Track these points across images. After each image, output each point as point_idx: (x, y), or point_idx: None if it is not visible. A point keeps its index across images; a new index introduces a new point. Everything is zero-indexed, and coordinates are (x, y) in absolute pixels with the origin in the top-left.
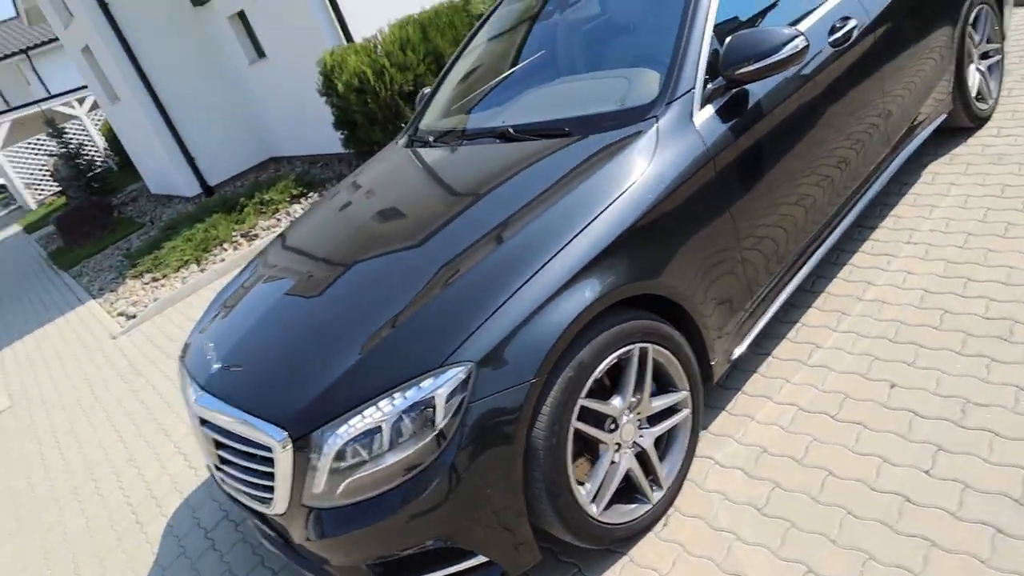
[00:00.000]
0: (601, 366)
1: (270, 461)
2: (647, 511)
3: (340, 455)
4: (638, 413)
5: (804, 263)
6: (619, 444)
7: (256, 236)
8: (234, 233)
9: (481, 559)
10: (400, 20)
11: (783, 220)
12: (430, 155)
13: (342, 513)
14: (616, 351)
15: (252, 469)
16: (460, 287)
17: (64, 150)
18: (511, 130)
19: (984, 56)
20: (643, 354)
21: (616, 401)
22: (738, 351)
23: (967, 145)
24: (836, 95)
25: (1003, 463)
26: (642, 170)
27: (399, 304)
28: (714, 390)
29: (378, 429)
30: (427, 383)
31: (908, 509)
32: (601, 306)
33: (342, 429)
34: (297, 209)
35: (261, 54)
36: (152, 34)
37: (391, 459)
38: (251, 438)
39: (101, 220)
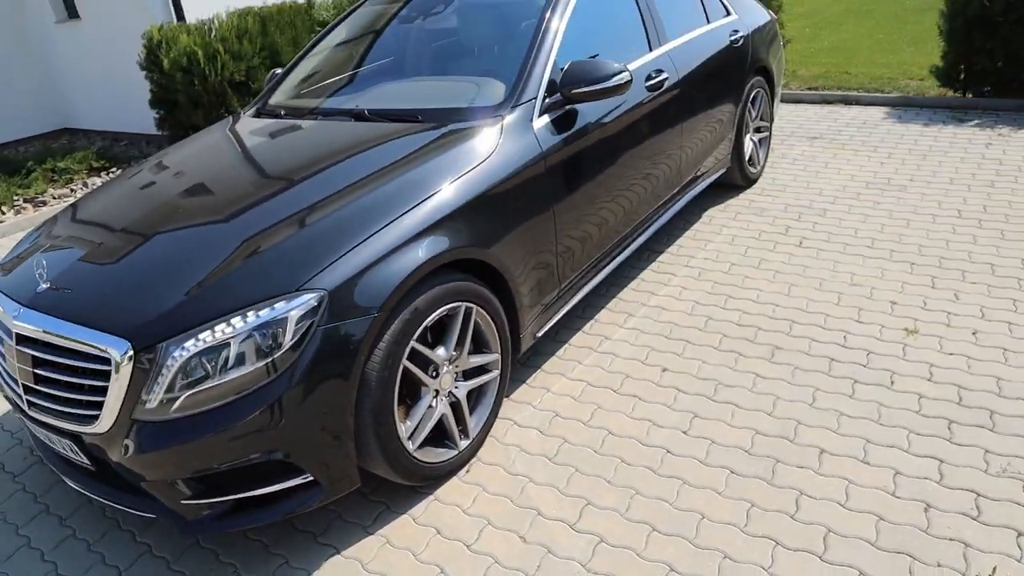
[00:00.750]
0: (433, 315)
1: (103, 375)
2: (454, 455)
3: (184, 369)
4: (456, 366)
5: (602, 268)
6: (437, 391)
7: (44, 203)
8: (16, 197)
9: (305, 478)
10: (241, 10)
11: (590, 229)
12: (279, 126)
13: (172, 426)
14: (446, 304)
15: (78, 386)
16: (320, 227)
17: None
18: (366, 112)
19: (757, 130)
20: (467, 313)
21: (440, 351)
22: (542, 330)
23: (737, 199)
24: (643, 133)
25: (740, 426)
26: (486, 154)
27: (252, 231)
28: (517, 367)
29: (226, 345)
30: (280, 305)
31: (669, 459)
32: (440, 261)
33: (190, 343)
34: (96, 182)
35: (74, 15)
36: None
37: (234, 375)
38: (86, 351)
39: None
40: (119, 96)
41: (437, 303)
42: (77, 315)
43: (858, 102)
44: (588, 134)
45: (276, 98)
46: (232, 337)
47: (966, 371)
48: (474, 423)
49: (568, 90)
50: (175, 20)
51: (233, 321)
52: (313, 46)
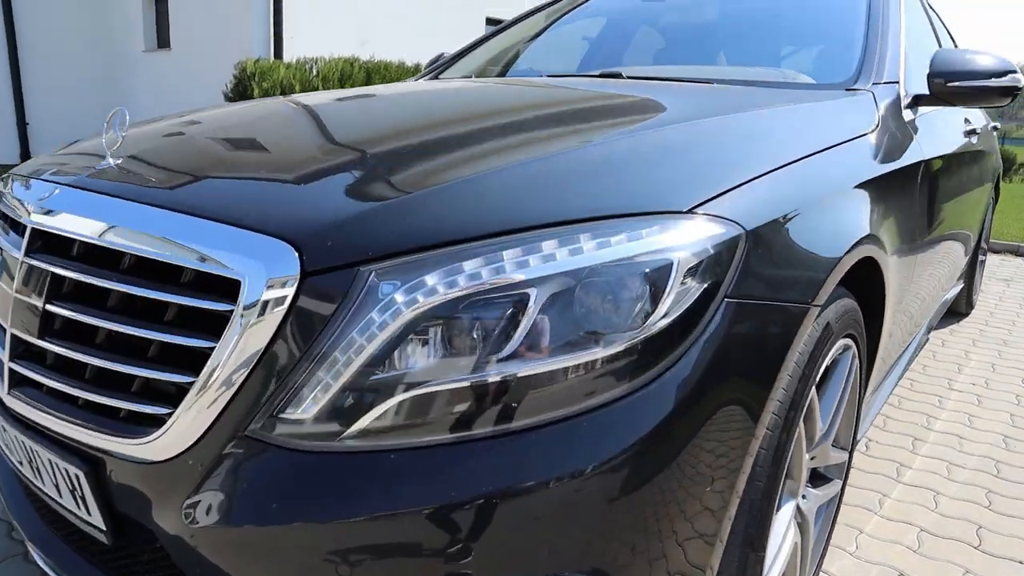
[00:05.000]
0: (834, 348)
1: (206, 323)
2: None
3: (410, 332)
4: (813, 457)
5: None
6: (801, 498)
7: None
8: None
9: None
10: (348, 57)
11: (927, 283)
12: (497, 81)
13: (350, 467)
14: (844, 337)
15: (135, 347)
16: (688, 132)
17: None
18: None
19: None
20: (852, 364)
21: (819, 419)
22: (863, 431)
23: (960, 325)
24: (961, 187)
25: None
26: (867, 129)
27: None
28: None
29: (517, 299)
30: (653, 230)
31: None
32: (868, 250)
33: (433, 278)
34: None
35: (164, 44)
36: None
37: (532, 368)
38: (180, 267)
39: None
40: None
41: (841, 329)
42: (173, 200)
43: None
44: (935, 158)
45: (454, 72)
46: (533, 281)
47: None
48: (810, 568)
49: (942, 82)
50: (272, 58)
51: (544, 245)
52: (508, 27)
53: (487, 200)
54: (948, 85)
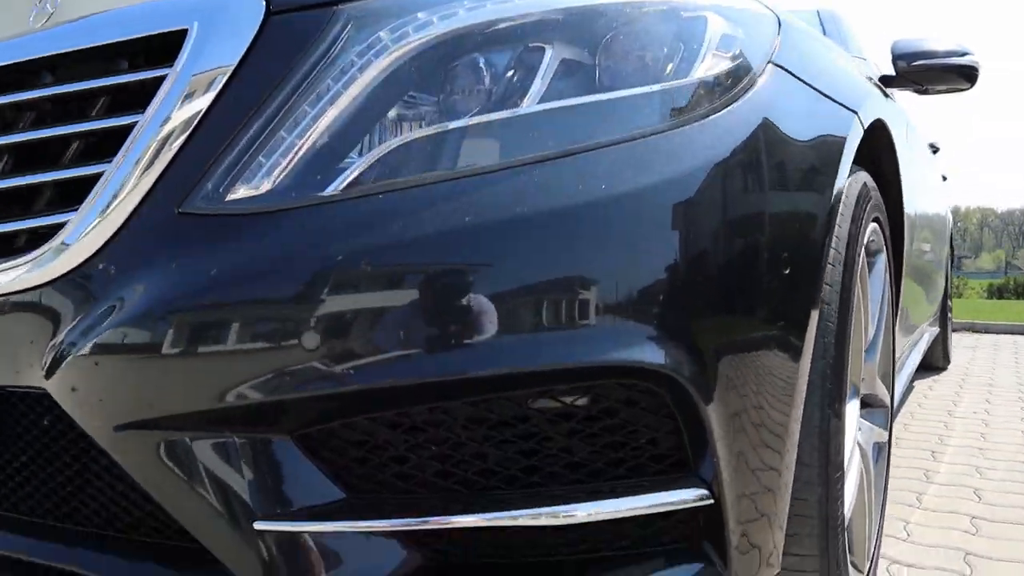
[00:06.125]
0: (870, 226)
1: (140, 99)
2: None
3: (400, 74)
4: (863, 379)
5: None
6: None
7: None
8: None
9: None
10: None
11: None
12: None
13: (308, 220)
14: (874, 218)
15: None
16: None
17: None
18: None
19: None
20: (885, 275)
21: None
22: (897, 396)
23: (942, 376)
24: (934, 187)
25: None
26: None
27: None
28: None
29: (530, 46)
30: None
31: None
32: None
33: (426, 14)
34: None
35: None
36: None
37: (549, 106)
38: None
39: None
40: None
41: (876, 202)
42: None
43: (987, 330)
44: (913, 131)
45: None
46: (545, 24)
47: None
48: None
49: (906, 64)
50: None
51: None
52: None
53: None
54: (912, 65)
